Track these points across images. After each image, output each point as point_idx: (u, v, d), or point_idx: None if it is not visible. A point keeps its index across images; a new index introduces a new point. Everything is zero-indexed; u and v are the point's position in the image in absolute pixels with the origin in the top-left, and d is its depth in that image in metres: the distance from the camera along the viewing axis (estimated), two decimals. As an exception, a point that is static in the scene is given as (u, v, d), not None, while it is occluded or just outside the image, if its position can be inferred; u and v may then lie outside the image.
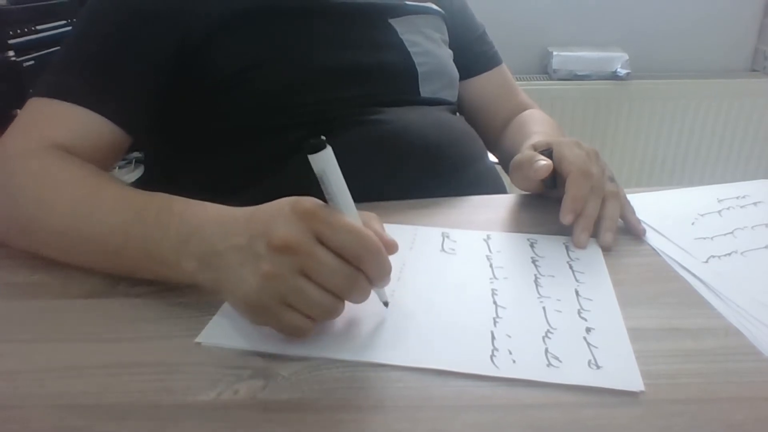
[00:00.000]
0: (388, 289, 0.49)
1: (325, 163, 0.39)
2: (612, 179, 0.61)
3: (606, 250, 0.56)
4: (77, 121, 0.60)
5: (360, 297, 0.42)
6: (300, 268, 0.40)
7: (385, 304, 0.46)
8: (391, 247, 0.43)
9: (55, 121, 0.60)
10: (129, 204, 0.51)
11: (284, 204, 0.42)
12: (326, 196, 0.41)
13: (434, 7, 0.84)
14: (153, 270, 0.48)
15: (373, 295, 0.44)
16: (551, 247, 0.56)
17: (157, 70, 0.66)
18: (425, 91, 0.77)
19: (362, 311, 0.46)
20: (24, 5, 1.27)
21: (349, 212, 0.41)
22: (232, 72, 0.67)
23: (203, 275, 0.45)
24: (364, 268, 0.41)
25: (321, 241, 0.40)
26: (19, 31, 1.22)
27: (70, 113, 0.60)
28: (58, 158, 0.57)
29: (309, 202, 0.41)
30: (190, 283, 0.47)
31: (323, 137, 0.38)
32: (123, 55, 0.64)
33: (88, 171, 0.56)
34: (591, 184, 0.57)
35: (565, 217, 0.57)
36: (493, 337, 0.43)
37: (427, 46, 0.79)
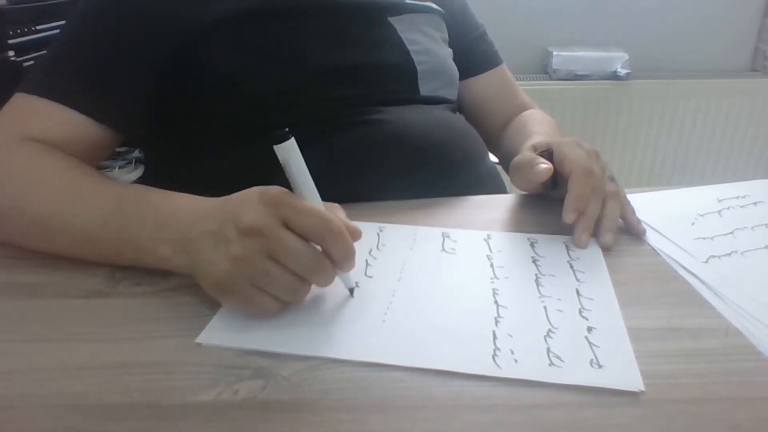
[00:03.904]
0: (389, 288, 0.49)
1: (289, 153, 0.43)
2: (612, 179, 0.61)
3: (606, 250, 0.56)
4: (62, 120, 0.60)
5: (323, 279, 0.44)
6: (267, 251, 0.42)
7: (351, 291, 0.48)
8: (355, 233, 0.46)
9: (39, 118, 0.60)
10: (108, 195, 0.53)
11: (252, 192, 0.44)
12: (291, 185, 0.44)
13: (434, 5, 0.84)
14: (130, 256, 0.51)
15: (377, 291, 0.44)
16: (552, 246, 0.56)
17: (149, 73, 0.66)
18: (425, 89, 0.76)
19: (363, 311, 0.46)
20: (24, 5, 1.27)
21: (312, 199, 0.45)
22: (227, 73, 0.67)
23: (177, 260, 0.48)
24: (327, 250, 0.43)
25: (286, 226, 0.42)
26: (19, 31, 1.21)
27: (55, 112, 0.60)
28: (41, 150, 0.57)
29: (275, 189, 0.44)
30: (167, 269, 0.49)
31: (287, 129, 0.43)
32: (115, 57, 0.64)
33: (68, 163, 0.57)
34: (593, 184, 0.57)
35: (568, 216, 0.56)
36: (494, 337, 0.43)
37: (426, 44, 0.79)
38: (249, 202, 0.43)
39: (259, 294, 0.43)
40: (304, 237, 0.42)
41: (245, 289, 0.43)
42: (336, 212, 0.46)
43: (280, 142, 0.42)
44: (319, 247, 0.43)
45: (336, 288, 0.48)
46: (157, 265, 0.49)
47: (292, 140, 0.43)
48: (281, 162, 0.43)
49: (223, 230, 0.44)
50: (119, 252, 0.51)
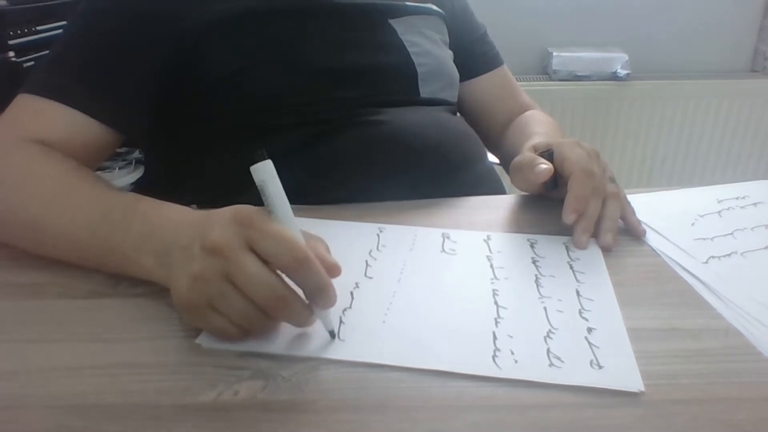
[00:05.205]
0: (389, 289, 0.49)
1: (265, 174, 0.40)
2: (612, 180, 0.61)
3: (606, 250, 0.56)
4: (64, 119, 0.60)
5: (288, 314, 0.41)
6: (226, 273, 0.39)
7: (331, 333, 0.43)
8: (333, 269, 0.42)
9: (41, 118, 0.60)
10: (98, 203, 0.52)
11: (227, 210, 0.42)
12: (267, 207, 0.41)
13: (434, 7, 0.84)
14: (116, 265, 0.50)
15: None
16: (551, 247, 0.56)
17: (150, 73, 0.66)
18: (425, 91, 0.77)
19: (363, 312, 0.46)
20: (24, 5, 1.27)
21: (287, 223, 0.41)
22: (227, 74, 0.67)
23: (158, 272, 0.46)
24: (295, 281, 0.40)
25: (252, 249, 0.39)
26: (19, 31, 1.21)
27: (58, 112, 0.60)
28: (38, 153, 0.57)
29: (248, 209, 0.41)
30: (150, 280, 0.48)
31: (263, 150, 0.40)
32: (116, 57, 0.64)
33: (66, 167, 0.56)
34: (593, 184, 0.57)
35: (568, 217, 0.56)
36: (494, 338, 0.43)
37: (427, 46, 0.79)
38: (221, 220, 0.41)
39: (215, 316, 0.41)
40: (267, 263, 0.39)
41: (202, 309, 0.41)
42: (316, 244, 0.43)
43: (254, 163, 0.40)
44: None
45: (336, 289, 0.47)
46: (141, 275, 0.48)
47: (269, 162, 0.40)
48: (257, 184, 0.40)
49: (191, 246, 0.42)
50: (105, 260, 0.50)
